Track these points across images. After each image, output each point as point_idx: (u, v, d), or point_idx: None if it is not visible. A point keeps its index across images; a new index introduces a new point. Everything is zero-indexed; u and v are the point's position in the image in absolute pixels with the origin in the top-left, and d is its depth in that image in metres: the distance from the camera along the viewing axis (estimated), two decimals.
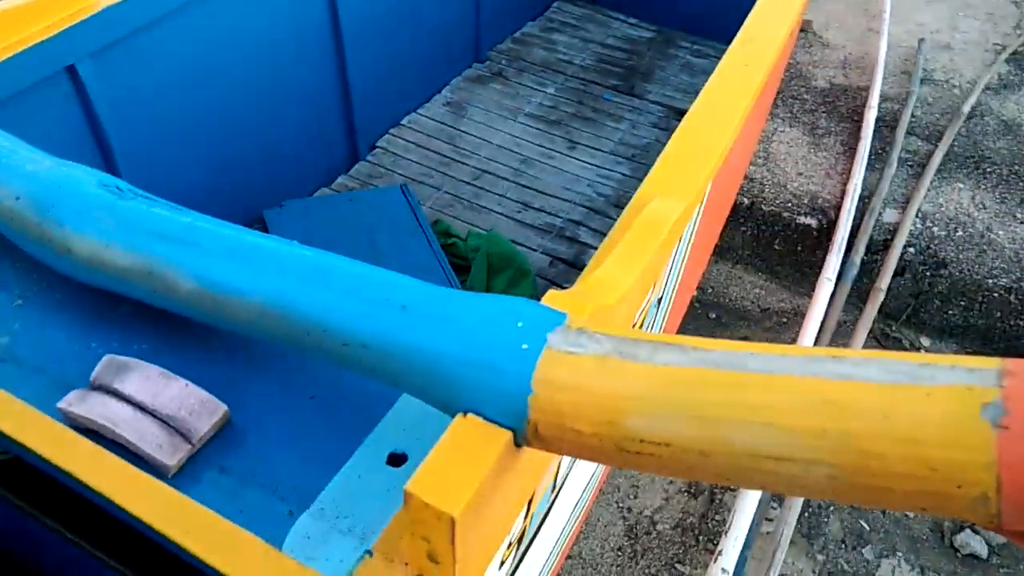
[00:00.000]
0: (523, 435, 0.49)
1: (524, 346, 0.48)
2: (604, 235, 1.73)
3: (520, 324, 0.49)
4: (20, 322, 0.66)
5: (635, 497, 1.80)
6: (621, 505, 1.80)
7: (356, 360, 0.54)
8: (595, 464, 1.10)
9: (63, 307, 0.67)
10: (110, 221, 0.61)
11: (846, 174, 2.26)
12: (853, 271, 2.00)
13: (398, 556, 0.53)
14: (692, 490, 1.81)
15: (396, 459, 0.59)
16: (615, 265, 0.63)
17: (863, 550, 1.67)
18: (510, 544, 0.70)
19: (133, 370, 0.59)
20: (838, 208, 2.13)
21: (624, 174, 1.99)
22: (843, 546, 1.68)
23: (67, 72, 1.07)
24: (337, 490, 0.56)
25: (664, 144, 0.82)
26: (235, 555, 0.51)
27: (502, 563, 0.69)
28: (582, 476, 0.98)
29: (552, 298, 0.55)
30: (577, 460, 0.86)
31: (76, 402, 0.58)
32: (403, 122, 2.10)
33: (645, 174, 0.79)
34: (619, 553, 1.73)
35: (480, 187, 1.93)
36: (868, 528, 1.70)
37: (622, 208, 0.78)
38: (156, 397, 0.57)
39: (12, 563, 0.87)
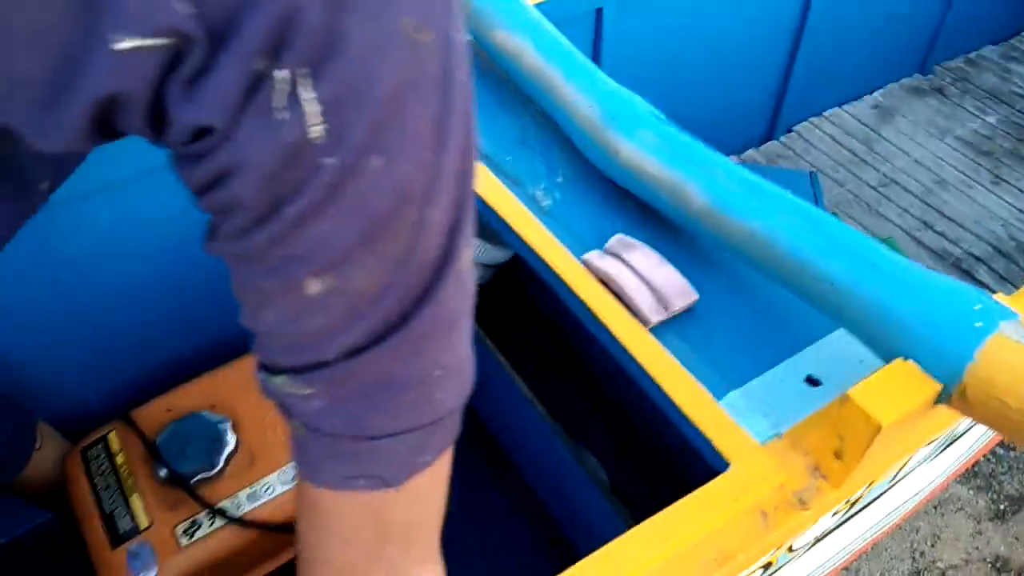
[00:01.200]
0: (948, 393, 0.60)
1: (978, 324, 0.59)
2: (1004, 279, 1.66)
3: (977, 307, 0.60)
4: (561, 193, 0.90)
5: (932, 546, 1.76)
6: (915, 548, 1.77)
7: (816, 293, 0.69)
8: (913, 491, 1.15)
9: (591, 193, 0.90)
10: (652, 138, 0.81)
11: None
12: None
13: (803, 446, 0.67)
14: (999, 564, 1.72)
15: (812, 381, 0.73)
16: None
17: None
18: (856, 500, 0.82)
19: (638, 249, 0.80)
20: None
21: None
22: None
23: (595, 14, 1.31)
24: (763, 383, 0.72)
25: None
26: (688, 396, 0.69)
27: (835, 512, 0.81)
28: (896, 497, 1.04)
29: (1002, 298, 0.64)
30: (905, 477, 0.94)
31: (594, 258, 0.80)
32: (825, 113, 2.15)
33: None
34: None
35: (885, 195, 1.94)
36: None
37: None
38: (651, 272, 0.77)
39: None
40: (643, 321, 0.75)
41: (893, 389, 0.59)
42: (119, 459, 0.96)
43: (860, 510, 0.94)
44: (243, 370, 1.06)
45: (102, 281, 1.01)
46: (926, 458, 0.95)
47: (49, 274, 0.96)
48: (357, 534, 0.44)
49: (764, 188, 0.74)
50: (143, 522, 0.91)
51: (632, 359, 0.72)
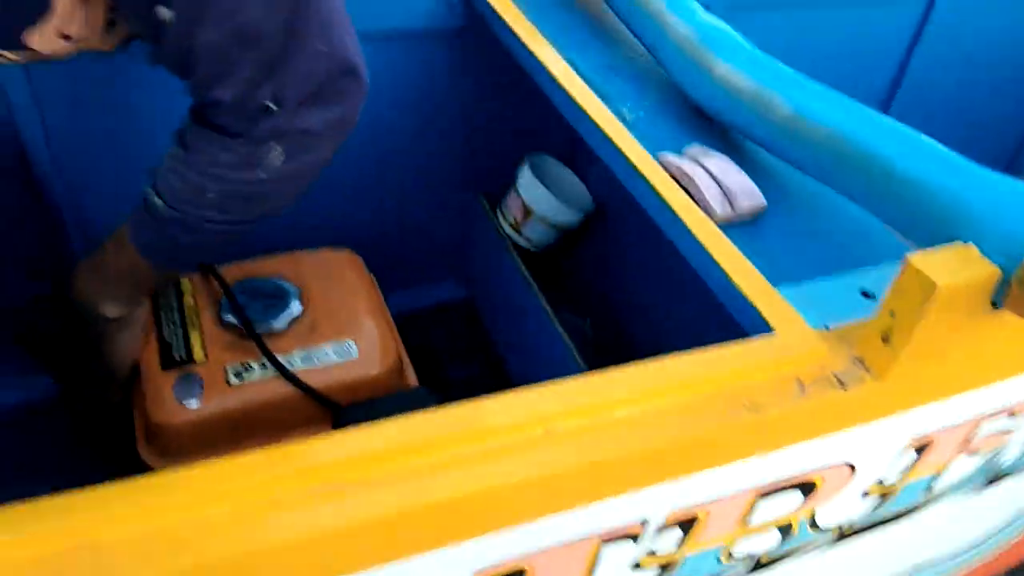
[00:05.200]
0: (1007, 280, 0.60)
1: None
2: None
3: None
4: (645, 113, 0.94)
5: None
6: None
7: (880, 189, 0.70)
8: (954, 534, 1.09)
9: (673, 117, 0.94)
10: (744, 58, 0.85)
11: None
12: None
13: (849, 340, 0.67)
14: None
15: (867, 295, 0.74)
16: None
17: None
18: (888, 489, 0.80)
19: (713, 156, 0.83)
20: None
21: None
22: None
23: None
24: (817, 286, 0.73)
25: None
26: (743, 275, 0.70)
27: (866, 493, 0.80)
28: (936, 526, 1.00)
29: None
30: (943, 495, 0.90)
31: (670, 156, 0.83)
32: None
33: None
34: None
35: None
36: None
37: None
38: (724, 175, 0.80)
39: None
40: (709, 215, 0.77)
41: (952, 260, 0.59)
42: (187, 299, 1.02)
43: (893, 518, 0.91)
44: (318, 258, 1.11)
45: None
46: (967, 481, 0.92)
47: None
48: None
49: (843, 98, 0.77)
50: (199, 355, 0.96)
51: (694, 240, 0.74)
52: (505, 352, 1.40)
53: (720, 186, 0.78)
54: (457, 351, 1.51)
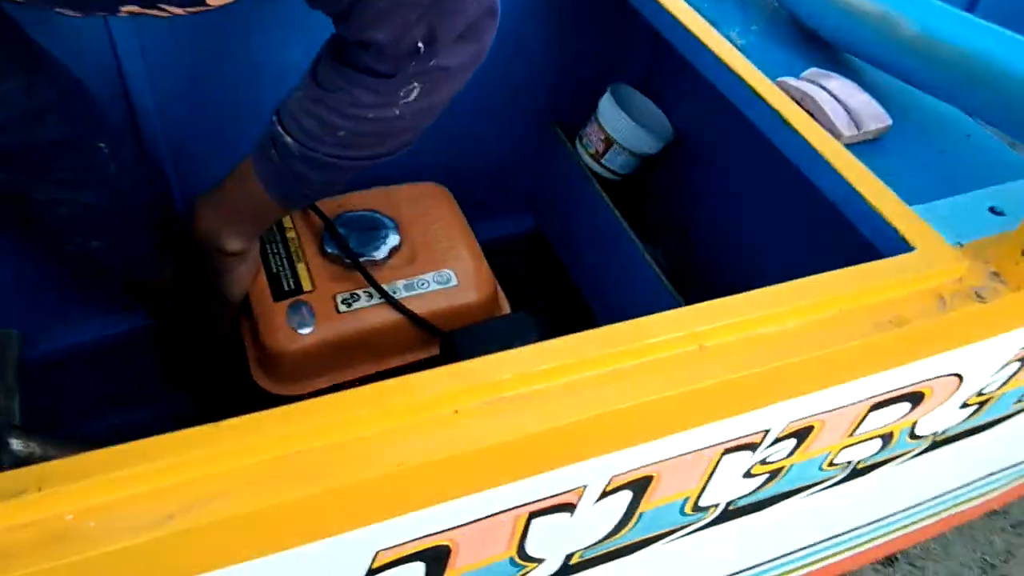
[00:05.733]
0: None
1: None
2: None
3: None
4: (755, 38, 0.93)
5: (1005, 562, 1.67)
6: (986, 559, 1.69)
7: (1017, 105, 0.70)
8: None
9: (784, 40, 0.93)
10: None
11: None
12: None
13: (984, 256, 0.68)
14: None
15: (995, 212, 0.74)
16: None
17: None
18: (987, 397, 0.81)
19: (834, 78, 0.82)
20: None
21: None
22: None
23: None
24: (947, 204, 0.73)
25: None
26: (877, 193, 0.71)
27: (965, 403, 0.81)
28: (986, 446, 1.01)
29: None
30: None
31: (790, 80, 0.82)
32: None
33: None
34: None
35: None
36: None
37: None
38: (849, 97, 0.79)
39: None
40: (835, 135, 0.77)
41: None
42: (290, 233, 1.03)
43: (982, 427, 0.93)
44: (409, 192, 1.12)
45: None
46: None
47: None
48: None
49: (972, 19, 0.76)
50: (307, 285, 0.98)
51: (824, 162, 0.74)
52: (581, 282, 1.41)
53: (844, 107, 0.78)
54: (530, 280, 1.52)
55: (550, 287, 1.51)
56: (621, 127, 1.23)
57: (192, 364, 1.21)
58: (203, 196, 0.88)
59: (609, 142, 1.25)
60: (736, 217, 1.15)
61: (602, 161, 1.28)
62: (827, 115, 0.77)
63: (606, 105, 1.25)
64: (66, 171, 0.77)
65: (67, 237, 0.85)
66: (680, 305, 1.05)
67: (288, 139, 0.73)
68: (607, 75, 1.30)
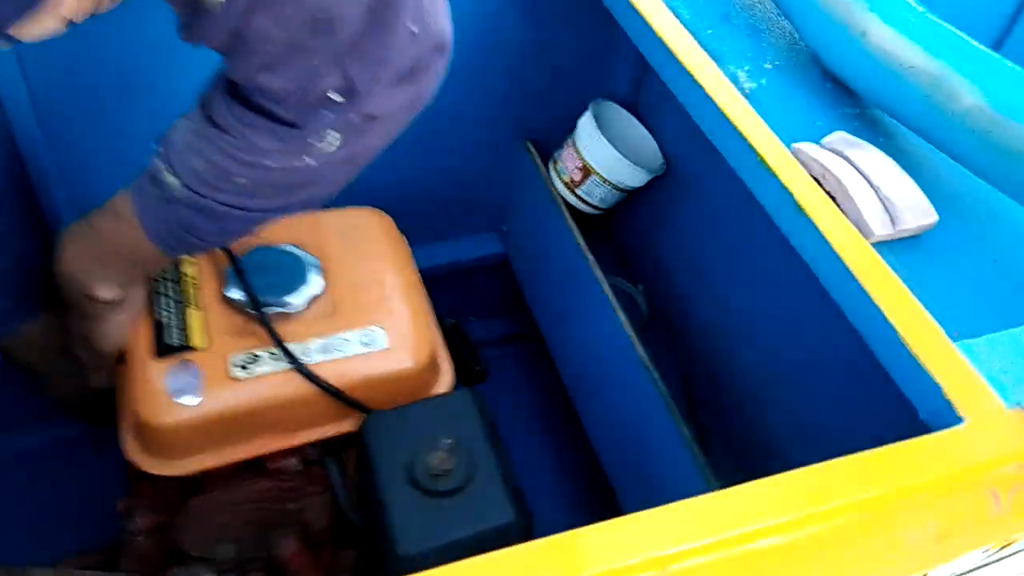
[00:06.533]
0: None
1: None
2: None
3: None
4: (768, 80, 0.75)
5: None
6: None
7: None
8: None
9: (805, 87, 0.75)
10: (915, 23, 0.65)
11: None
12: None
13: None
14: None
15: None
16: None
17: None
18: None
19: (866, 149, 0.64)
20: None
21: None
22: None
23: None
24: (1011, 337, 0.56)
25: None
26: (916, 329, 0.53)
27: None
28: None
29: None
30: None
31: (809, 149, 0.64)
32: None
33: None
34: None
35: None
36: None
37: None
38: (883, 179, 0.61)
39: None
40: (864, 232, 0.60)
41: None
42: (188, 269, 0.85)
43: None
44: (343, 219, 0.94)
45: None
46: None
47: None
48: None
49: None
50: (198, 340, 0.79)
51: (845, 271, 0.56)
52: (541, 321, 1.24)
53: (879, 195, 0.60)
54: (488, 310, 1.36)
55: (511, 317, 1.34)
56: (602, 156, 1.05)
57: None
58: (70, 229, 0.70)
59: (587, 171, 1.06)
60: (731, 275, 0.97)
61: (578, 192, 1.09)
62: (855, 205, 0.59)
63: (585, 127, 1.06)
64: None
65: None
66: (644, 363, 0.88)
67: (172, 179, 0.58)
68: (589, 88, 1.12)
